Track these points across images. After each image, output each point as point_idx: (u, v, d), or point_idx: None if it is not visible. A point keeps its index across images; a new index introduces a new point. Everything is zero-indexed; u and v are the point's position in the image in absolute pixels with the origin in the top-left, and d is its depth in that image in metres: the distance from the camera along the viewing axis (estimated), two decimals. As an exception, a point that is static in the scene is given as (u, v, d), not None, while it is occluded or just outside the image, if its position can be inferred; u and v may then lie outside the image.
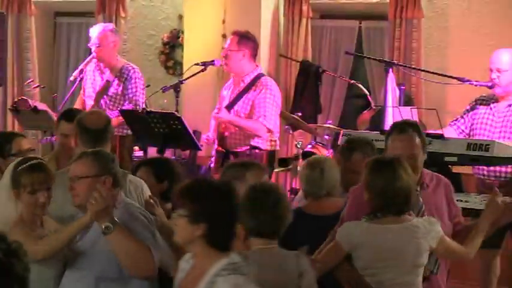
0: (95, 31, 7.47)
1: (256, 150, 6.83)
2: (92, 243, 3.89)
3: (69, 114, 5.21)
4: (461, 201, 5.06)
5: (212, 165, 6.98)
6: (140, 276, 3.88)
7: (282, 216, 3.72)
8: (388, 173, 4.02)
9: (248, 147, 6.83)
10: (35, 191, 3.93)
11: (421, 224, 4.05)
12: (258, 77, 6.93)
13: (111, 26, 7.76)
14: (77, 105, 7.55)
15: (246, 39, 6.94)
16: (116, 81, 7.41)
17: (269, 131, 6.83)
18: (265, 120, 6.76)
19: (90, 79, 7.53)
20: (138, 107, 7.12)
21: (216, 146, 6.95)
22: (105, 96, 7.42)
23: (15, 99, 7.90)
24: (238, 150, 6.86)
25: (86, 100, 7.54)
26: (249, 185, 3.84)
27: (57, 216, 4.15)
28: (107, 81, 7.43)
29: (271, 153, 6.97)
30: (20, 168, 3.98)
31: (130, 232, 3.82)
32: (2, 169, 4.52)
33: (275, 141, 6.97)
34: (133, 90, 7.34)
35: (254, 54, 6.98)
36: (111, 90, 7.40)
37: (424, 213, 4.35)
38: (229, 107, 6.90)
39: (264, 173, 4.24)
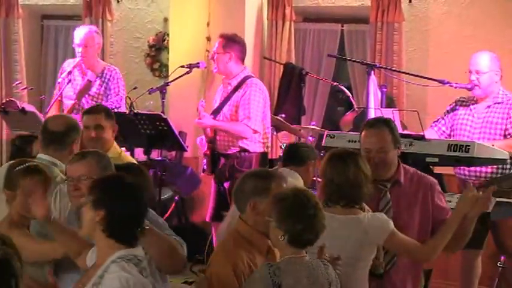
0: (81, 32, 7.47)
1: (246, 153, 6.83)
2: None
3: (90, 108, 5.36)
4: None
5: (205, 167, 6.94)
6: (174, 272, 3.87)
7: (320, 226, 3.61)
8: (339, 165, 4.11)
9: (238, 149, 6.82)
10: (31, 193, 3.84)
11: (367, 219, 4.07)
12: (245, 79, 6.92)
13: (95, 28, 7.80)
14: (54, 108, 7.53)
15: (232, 42, 6.94)
16: (98, 82, 7.42)
17: (255, 132, 6.80)
18: (249, 122, 6.74)
19: (71, 80, 7.52)
20: (121, 107, 7.13)
21: (204, 149, 6.93)
22: (86, 96, 7.41)
23: (3, 101, 7.87)
24: (228, 152, 6.84)
25: (64, 100, 7.53)
26: (290, 191, 3.70)
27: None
28: (89, 80, 7.43)
29: (264, 155, 6.96)
30: (16, 169, 3.94)
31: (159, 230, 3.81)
32: None
33: (265, 142, 6.96)
34: (116, 90, 7.40)
35: (241, 57, 6.96)
36: (93, 90, 7.42)
37: (390, 210, 4.40)
38: (217, 111, 6.89)
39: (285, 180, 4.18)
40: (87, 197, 3.25)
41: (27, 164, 3.97)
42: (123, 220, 3.21)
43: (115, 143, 5.49)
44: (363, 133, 4.54)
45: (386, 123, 4.55)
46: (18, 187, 3.88)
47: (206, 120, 6.75)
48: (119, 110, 7.18)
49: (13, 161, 4.07)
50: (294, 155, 5.35)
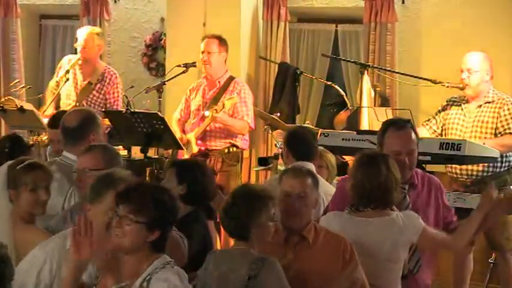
0: (81, 33, 7.45)
1: (235, 148, 6.96)
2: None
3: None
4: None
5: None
6: None
7: None
8: (370, 167, 4.02)
9: (228, 144, 6.92)
10: (36, 188, 3.86)
11: (400, 218, 4.01)
12: (231, 78, 7.04)
13: (98, 29, 7.74)
14: (51, 104, 7.53)
15: (224, 43, 7.06)
16: (98, 85, 7.40)
17: (251, 128, 7.02)
18: (248, 119, 6.89)
19: (71, 78, 7.50)
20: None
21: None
22: (87, 98, 7.40)
23: (2, 99, 7.85)
24: (219, 148, 6.91)
25: (65, 99, 7.52)
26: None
27: None
28: (89, 82, 7.41)
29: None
30: (18, 167, 3.92)
31: None
32: None
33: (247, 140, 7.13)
34: (115, 95, 7.38)
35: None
36: (93, 93, 7.40)
37: None
38: (209, 107, 6.92)
39: None
40: (135, 216, 3.19)
41: (27, 162, 3.97)
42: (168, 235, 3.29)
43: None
44: (390, 135, 4.40)
45: (410, 124, 4.45)
46: (22, 184, 3.87)
47: (222, 115, 6.75)
48: (117, 109, 7.19)
49: (12, 161, 4.05)
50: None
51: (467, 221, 4.20)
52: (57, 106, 7.51)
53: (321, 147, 5.54)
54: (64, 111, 5.60)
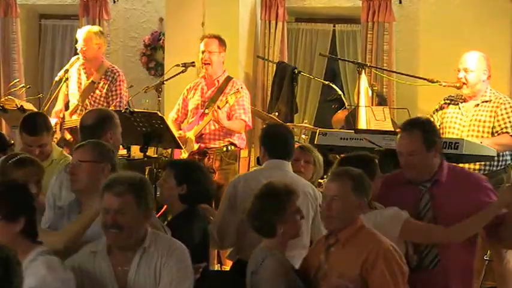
0: (80, 33, 7.44)
1: (233, 147, 6.94)
2: (97, 235, 3.81)
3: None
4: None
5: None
6: None
7: None
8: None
9: (227, 143, 6.91)
10: (26, 182, 3.80)
11: (376, 216, 4.10)
12: (229, 78, 7.05)
13: (97, 28, 7.72)
14: (60, 102, 7.53)
15: (223, 43, 7.06)
16: (101, 83, 7.39)
17: (249, 127, 7.01)
18: (246, 118, 6.88)
19: (75, 77, 7.50)
20: (121, 108, 7.10)
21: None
22: (89, 97, 7.39)
23: (2, 99, 7.84)
24: (217, 146, 6.91)
25: (70, 98, 7.52)
26: None
27: None
28: (92, 81, 7.40)
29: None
30: (9, 162, 3.93)
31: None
32: None
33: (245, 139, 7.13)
34: (118, 92, 7.35)
35: None
36: (96, 92, 7.38)
37: (430, 209, 4.31)
38: (208, 106, 6.93)
39: None
40: None
41: (18, 156, 3.97)
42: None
43: (54, 146, 5.53)
44: (399, 135, 4.46)
45: (420, 125, 4.40)
46: (14, 177, 3.89)
47: (221, 116, 6.74)
48: (120, 106, 7.18)
49: (6, 156, 4.05)
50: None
51: (472, 219, 4.17)
52: (66, 106, 7.52)
53: (309, 145, 5.54)
54: (34, 114, 5.60)
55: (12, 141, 5.95)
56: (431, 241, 4.30)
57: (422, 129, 4.36)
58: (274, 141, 4.92)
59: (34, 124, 5.20)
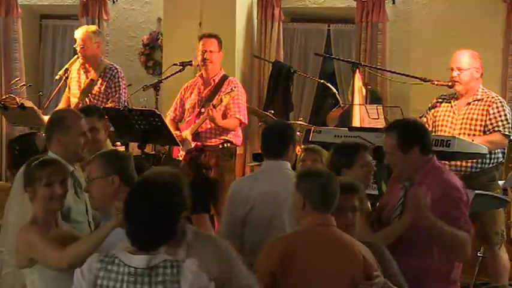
0: (78, 33, 7.43)
1: (229, 144, 6.91)
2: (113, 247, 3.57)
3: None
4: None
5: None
6: None
7: None
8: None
9: (222, 141, 6.88)
10: (51, 182, 3.73)
11: None
12: (225, 77, 7.02)
13: (94, 27, 7.72)
14: (62, 103, 7.52)
15: (221, 42, 7.04)
16: (100, 81, 7.36)
17: (244, 124, 7.00)
18: (241, 116, 6.85)
19: (75, 78, 7.48)
20: (120, 105, 7.08)
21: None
22: (89, 95, 7.37)
23: (3, 97, 7.82)
24: (213, 144, 6.88)
25: (71, 98, 7.50)
26: None
27: None
28: (91, 80, 7.38)
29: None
30: (33, 164, 3.84)
31: None
32: None
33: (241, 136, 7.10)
34: (117, 89, 7.32)
35: None
36: (95, 89, 7.36)
37: (400, 206, 4.30)
38: (204, 105, 6.91)
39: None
40: None
41: (41, 158, 3.89)
42: None
43: (108, 142, 5.48)
44: None
45: (398, 127, 4.38)
46: (37, 180, 3.74)
47: (217, 115, 6.71)
48: (119, 104, 7.15)
49: (29, 160, 3.95)
50: None
51: (390, 227, 4.22)
52: (68, 104, 7.49)
53: (318, 146, 5.47)
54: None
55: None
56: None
57: (398, 131, 4.33)
58: (267, 141, 4.76)
59: (88, 107, 5.66)
